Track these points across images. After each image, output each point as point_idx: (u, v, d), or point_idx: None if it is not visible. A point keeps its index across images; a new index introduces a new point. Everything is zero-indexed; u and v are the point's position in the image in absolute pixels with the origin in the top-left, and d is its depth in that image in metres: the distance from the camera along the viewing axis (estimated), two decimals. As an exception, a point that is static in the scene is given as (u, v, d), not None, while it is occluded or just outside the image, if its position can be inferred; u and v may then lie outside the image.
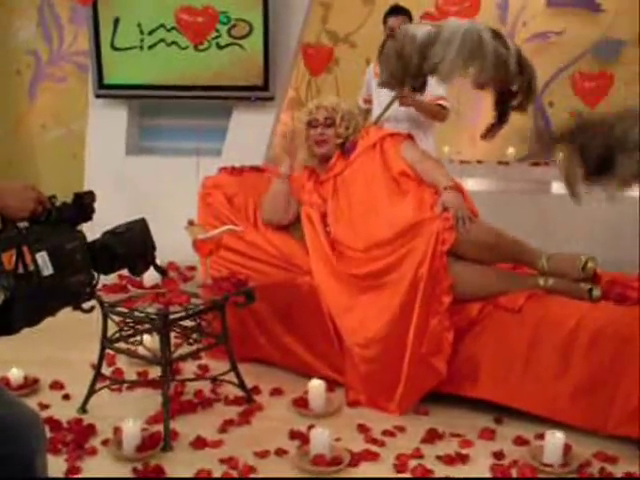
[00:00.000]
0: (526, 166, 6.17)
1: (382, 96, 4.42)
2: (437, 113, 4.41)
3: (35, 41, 7.22)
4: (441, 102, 4.40)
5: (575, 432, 2.82)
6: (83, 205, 1.83)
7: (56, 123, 7.24)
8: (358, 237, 3.26)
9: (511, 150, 6.19)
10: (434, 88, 4.34)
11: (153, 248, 1.90)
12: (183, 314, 2.90)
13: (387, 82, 3.91)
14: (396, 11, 4.49)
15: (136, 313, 2.87)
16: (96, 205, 4.99)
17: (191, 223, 3.05)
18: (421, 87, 3.94)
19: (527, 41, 6.44)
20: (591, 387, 2.81)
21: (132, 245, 1.83)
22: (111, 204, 5.60)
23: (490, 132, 4.00)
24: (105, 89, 5.56)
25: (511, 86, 3.61)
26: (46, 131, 7.33)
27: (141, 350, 3.08)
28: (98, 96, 5.62)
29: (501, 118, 3.89)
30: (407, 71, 3.69)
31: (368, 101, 4.69)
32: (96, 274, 1.80)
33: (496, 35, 3.53)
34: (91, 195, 1.83)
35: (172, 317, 2.82)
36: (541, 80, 6.41)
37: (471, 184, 5.93)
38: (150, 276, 2.93)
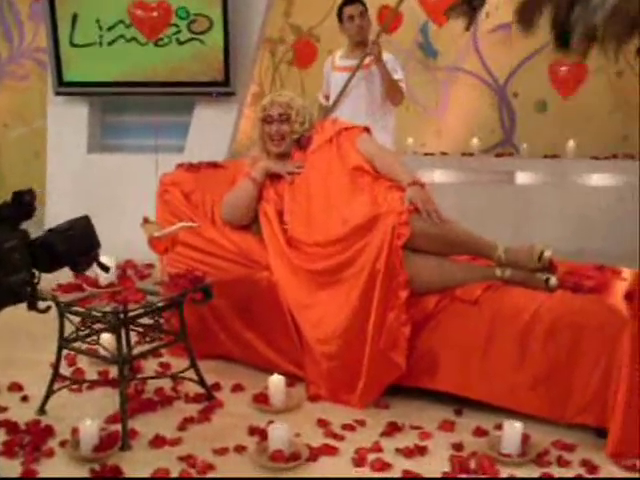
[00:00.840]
0: (490, 157, 6.21)
1: (339, 85, 4.43)
2: (396, 89, 4.44)
3: (-6, 38, 7.12)
4: (401, 84, 4.42)
5: (534, 422, 2.85)
6: (23, 203, 1.80)
7: (18, 122, 7.14)
8: (314, 233, 3.25)
9: (475, 141, 6.20)
10: (393, 70, 4.38)
11: (97, 245, 1.88)
12: (138, 312, 2.87)
13: None
14: (351, 0, 4.50)
15: (93, 312, 2.84)
16: (58, 203, 4.97)
17: (146, 220, 3.02)
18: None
19: (490, 32, 6.44)
20: (549, 377, 2.82)
21: (74, 242, 1.81)
22: (72, 202, 5.62)
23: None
24: (65, 86, 5.48)
25: None
26: (8, 130, 7.23)
27: (100, 349, 3.04)
28: (58, 93, 5.54)
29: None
30: None
31: (328, 97, 4.68)
32: (38, 272, 1.77)
33: None
34: (31, 193, 1.80)
35: (126, 315, 2.78)
36: (505, 71, 6.48)
37: (436, 176, 5.97)
38: (105, 275, 2.88)
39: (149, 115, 5.61)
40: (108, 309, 2.74)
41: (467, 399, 3.01)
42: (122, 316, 2.78)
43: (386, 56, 4.45)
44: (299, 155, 3.53)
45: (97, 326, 2.94)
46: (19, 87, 7.07)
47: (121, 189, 5.44)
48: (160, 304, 2.94)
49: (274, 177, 3.53)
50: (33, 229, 1.89)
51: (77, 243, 1.81)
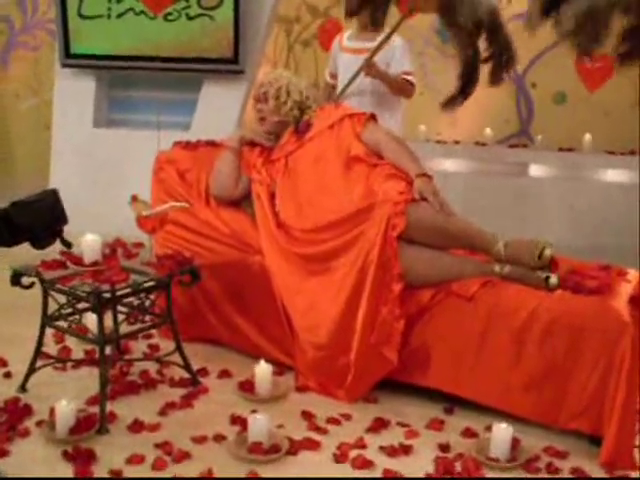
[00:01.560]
0: (504, 148, 6.06)
1: (347, 70, 4.30)
2: (403, 88, 4.27)
3: (8, 7, 7.04)
4: (407, 77, 4.26)
5: (526, 425, 2.75)
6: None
7: (30, 92, 7.08)
8: (305, 218, 3.14)
9: (489, 131, 6.06)
10: (400, 63, 4.23)
11: (62, 220, 1.78)
12: (121, 293, 2.78)
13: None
14: None
15: (75, 291, 2.76)
16: (62, 177, 4.90)
17: (135, 199, 2.94)
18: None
19: (511, 19, 6.28)
20: (544, 379, 2.71)
21: (36, 216, 1.72)
22: (77, 176, 5.56)
23: (450, 103, 3.87)
24: (72, 58, 5.40)
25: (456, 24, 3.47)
26: (20, 100, 7.17)
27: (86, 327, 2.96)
28: (65, 65, 5.46)
29: (464, 90, 3.75)
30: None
31: (334, 76, 4.54)
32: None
33: None
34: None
35: (106, 295, 2.69)
36: (524, 61, 6.31)
37: (448, 165, 5.84)
38: (90, 252, 2.80)
39: (156, 91, 5.52)
40: (89, 288, 2.65)
41: (459, 397, 2.91)
42: (105, 296, 2.68)
43: (397, 41, 4.31)
44: (295, 139, 3.41)
45: (81, 305, 2.86)
46: (31, 57, 7.00)
47: (126, 165, 5.35)
48: (146, 285, 2.84)
49: (267, 160, 3.43)
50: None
51: (40, 217, 1.72)
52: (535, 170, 5.80)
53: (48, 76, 6.32)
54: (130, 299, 2.94)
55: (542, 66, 6.27)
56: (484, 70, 4.15)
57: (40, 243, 1.69)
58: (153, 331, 3.39)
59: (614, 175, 5.66)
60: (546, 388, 2.71)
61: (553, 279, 2.77)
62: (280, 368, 3.20)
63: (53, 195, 1.73)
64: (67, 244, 1.98)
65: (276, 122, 3.42)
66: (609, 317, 2.63)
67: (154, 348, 3.42)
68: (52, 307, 2.91)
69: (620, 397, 2.54)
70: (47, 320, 2.92)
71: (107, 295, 2.70)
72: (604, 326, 2.61)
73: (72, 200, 5.47)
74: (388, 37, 4.17)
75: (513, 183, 5.72)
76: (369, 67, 4.09)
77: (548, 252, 2.78)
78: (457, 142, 6.19)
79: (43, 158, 5.93)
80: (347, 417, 2.86)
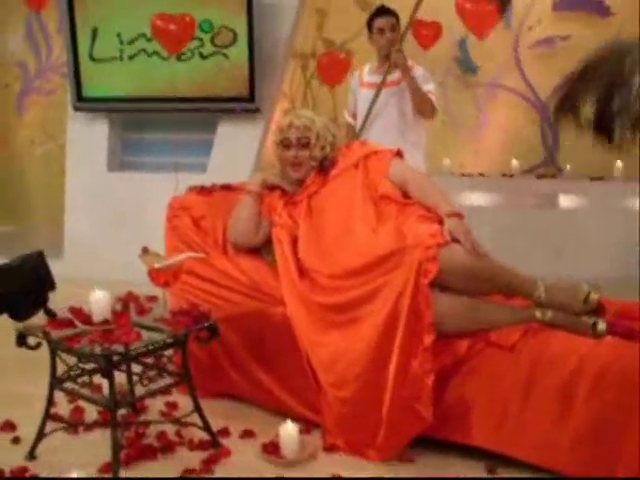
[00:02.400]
0: (531, 179, 5.87)
1: (367, 102, 4.15)
2: (426, 101, 4.13)
3: (23, 53, 7.00)
4: (431, 96, 4.11)
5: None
6: None
7: (45, 137, 7.01)
8: (329, 263, 2.94)
9: (515, 162, 5.87)
10: (424, 84, 4.08)
11: (48, 287, 1.60)
12: (133, 353, 2.58)
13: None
14: (383, 12, 4.22)
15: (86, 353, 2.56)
16: (76, 222, 4.71)
17: (145, 251, 2.75)
18: None
19: (533, 47, 6.13)
20: (595, 435, 2.46)
21: (17, 283, 1.54)
22: (91, 221, 5.42)
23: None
24: (84, 102, 5.30)
25: None
26: (35, 146, 7.11)
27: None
28: (77, 109, 5.35)
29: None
30: None
31: (355, 115, 4.40)
32: None
33: None
34: None
35: (127, 355, 2.50)
36: (548, 88, 6.12)
37: (473, 198, 5.64)
38: (99, 310, 2.62)
39: (171, 132, 5.40)
40: (98, 350, 2.46)
41: (502, 455, 2.67)
42: (115, 358, 2.49)
43: (417, 70, 4.17)
44: (319, 179, 3.23)
45: (91, 366, 2.66)
46: (46, 102, 6.96)
47: (141, 209, 5.21)
48: (158, 345, 2.64)
49: (289, 202, 3.24)
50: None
51: (21, 284, 1.54)
52: (565, 201, 5.59)
53: (62, 120, 6.23)
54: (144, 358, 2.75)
55: (566, 92, 6.08)
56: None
57: (20, 314, 1.52)
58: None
59: (645, 206, 5.43)
60: (598, 445, 2.47)
61: (601, 325, 2.55)
62: (306, 425, 2.99)
63: (38, 258, 1.56)
64: (51, 314, 1.79)
65: (311, 167, 3.25)
66: (666, 366, 2.40)
67: (172, 406, 3.21)
68: (62, 367, 2.73)
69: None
70: (55, 382, 2.73)
71: (117, 357, 2.51)
72: (660, 376, 2.38)
73: (86, 246, 5.36)
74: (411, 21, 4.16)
75: (543, 216, 5.50)
76: (398, 51, 4.03)
77: (595, 296, 2.56)
78: (481, 174, 5.99)
79: (58, 204, 5.81)
80: (380, 481, 2.63)
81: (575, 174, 5.80)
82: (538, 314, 2.65)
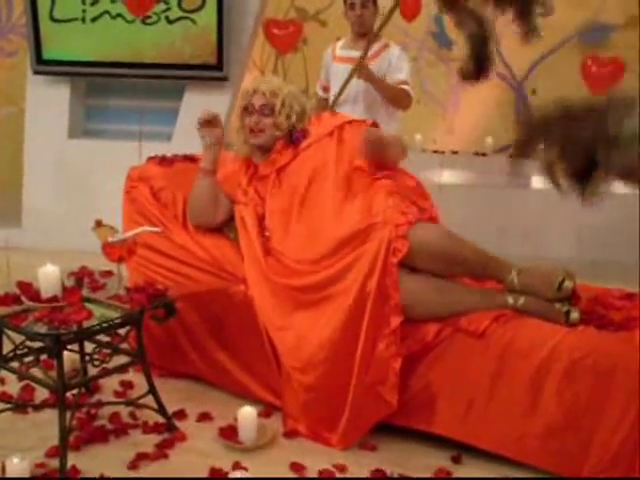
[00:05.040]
0: (505, 158, 5.73)
1: (341, 80, 4.00)
2: (399, 97, 3.98)
3: (-19, 11, 6.71)
4: (404, 87, 3.95)
5: (545, 477, 2.44)
6: None
7: (6, 101, 6.74)
8: (299, 243, 2.81)
9: (489, 140, 5.77)
10: (396, 71, 3.94)
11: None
12: (81, 334, 2.44)
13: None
14: None
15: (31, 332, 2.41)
16: (36, 190, 4.51)
17: (99, 224, 2.60)
18: None
19: (511, 23, 5.98)
20: (565, 426, 2.39)
21: None
22: (51, 190, 5.22)
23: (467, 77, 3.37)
24: (45, 65, 5.05)
25: None
26: (-3, 109, 6.84)
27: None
28: (37, 72, 5.12)
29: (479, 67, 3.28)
30: None
31: (327, 88, 4.25)
32: None
33: None
34: None
35: (66, 338, 2.35)
36: (524, 66, 6.02)
37: (446, 176, 5.53)
38: (48, 286, 2.46)
39: (135, 99, 5.18)
40: (43, 329, 2.31)
41: (468, 445, 2.58)
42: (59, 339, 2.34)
43: (393, 49, 4.03)
44: (289, 151, 3.07)
45: (38, 344, 2.51)
46: (7, 64, 6.67)
47: (100, 178, 5.01)
48: (110, 324, 2.49)
49: (254, 177, 3.09)
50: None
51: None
52: (538, 181, 5.49)
53: (24, 84, 5.99)
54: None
55: (542, 71, 5.99)
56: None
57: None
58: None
59: (622, 186, 5.35)
60: (568, 437, 2.40)
61: (574, 314, 2.46)
62: (267, 408, 2.88)
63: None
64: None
65: (274, 136, 3.07)
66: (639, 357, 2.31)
67: (127, 385, 3.08)
68: (10, 345, 2.58)
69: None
70: (1, 361, 2.58)
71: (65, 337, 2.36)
72: (634, 367, 2.30)
73: (45, 215, 5.17)
74: (381, 28, 3.96)
75: (515, 195, 5.41)
76: (361, 69, 3.82)
77: (569, 283, 2.46)
78: (455, 152, 5.88)
79: (18, 171, 5.60)
80: (341, 468, 2.53)
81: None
82: (510, 300, 2.55)
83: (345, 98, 4.00)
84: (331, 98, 4.12)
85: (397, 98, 3.98)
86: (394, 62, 3.99)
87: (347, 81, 3.93)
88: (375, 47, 4.01)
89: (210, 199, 3.05)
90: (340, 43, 4.26)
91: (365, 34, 4.02)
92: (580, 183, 2.48)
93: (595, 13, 5.87)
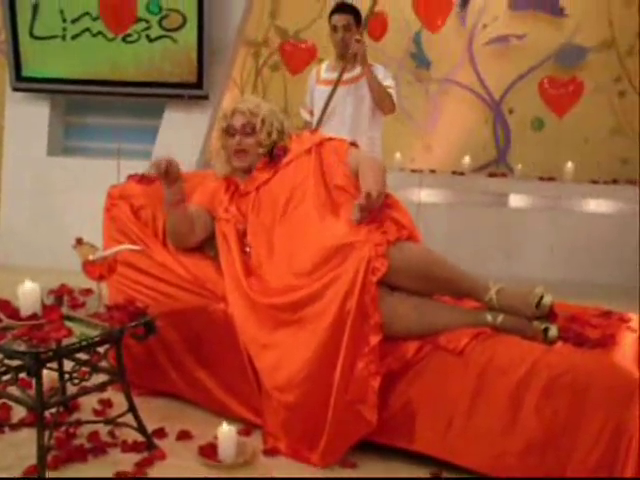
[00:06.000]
0: (482, 177, 5.82)
1: (323, 100, 4.04)
2: (386, 98, 4.05)
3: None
4: (390, 90, 4.02)
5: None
6: None
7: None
8: (280, 260, 2.82)
9: (467, 159, 5.82)
10: (383, 80, 4.00)
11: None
12: (61, 352, 2.42)
13: None
14: (341, 9, 4.10)
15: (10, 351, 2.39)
16: (14, 208, 4.47)
17: (79, 242, 2.59)
18: None
19: (487, 44, 6.07)
20: (544, 443, 2.40)
21: None
22: (30, 208, 5.20)
23: None
24: (24, 82, 5.06)
25: None
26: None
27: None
28: (16, 89, 5.11)
29: None
30: None
31: (312, 112, 4.28)
32: None
33: None
34: None
35: (45, 356, 2.34)
36: (501, 86, 6.10)
37: (424, 195, 5.58)
38: (28, 304, 2.45)
39: (115, 117, 5.20)
40: (22, 347, 2.30)
41: (448, 462, 2.59)
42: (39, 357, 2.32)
43: (378, 68, 4.10)
44: (269, 168, 3.10)
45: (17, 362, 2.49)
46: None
47: (82, 195, 5.01)
48: (90, 342, 2.48)
49: (235, 194, 3.10)
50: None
51: None
52: (515, 200, 5.57)
53: (4, 100, 5.98)
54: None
55: (519, 91, 6.07)
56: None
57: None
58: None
59: (597, 205, 5.45)
60: (546, 454, 2.41)
61: (553, 331, 2.48)
62: (247, 427, 2.88)
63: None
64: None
65: (257, 155, 3.10)
66: (617, 374, 2.35)
67: (106, 404, 3.06)
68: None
69: (631, 465, 2.25)
70: (-22, 380, 2.55)
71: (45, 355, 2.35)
72: (611, 384, 2.33)
73: (24, 234, 5.14)
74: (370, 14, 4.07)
75: (492, 214, 5.47)
76: (358, 42, 3.93)
77: (547, 300, 2.48)
78: (433, 171, 5.94)
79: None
80: (322, 487, 2.53)
81: (526, 174, 5.78)
82: (489, 318, 2.58)
83: (332, 110, 4.05)
84: (315, 120, 4.16)
85: (383, 96, 4.06)
86: (380, 75, 4.06)
87: (333, 91, 3.98)
88: (358, 69, 4.07)
89: (186, 228, 3.05)
90: (324, 66, 4.30)
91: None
92: None
93: (570, 35, 5.97)
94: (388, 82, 4.08)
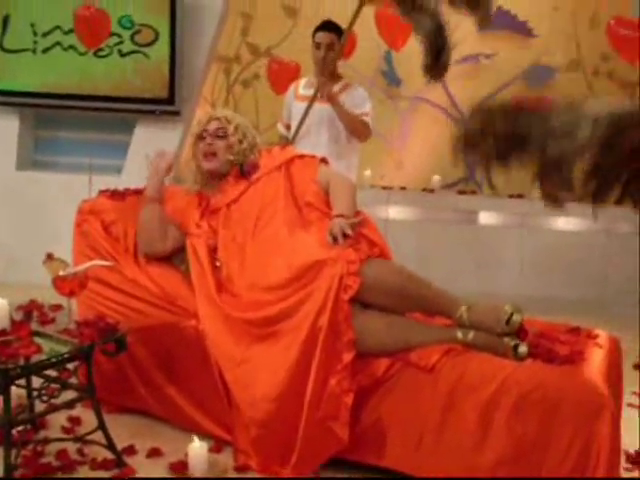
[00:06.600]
0: (452, 194, 5.87)
1: (300, 116, 4.05)
2: (359, 127, 4.04)
3: None
4: (365, 118, 4.03)
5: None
6: None
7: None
8: (251, 275, 2.82)
9: (436, 177, 5.87)
10: (358, 105, 4.00)
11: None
12: (30, 369, 2.40)
13: None
14: (326, 27, 4.11)
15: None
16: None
17: (50, 257, 2.58)
18: None
19: (458, 63, 6.13)
20: (514, 459, 2.41)
21: None
22: (-4, 223, 5.14)
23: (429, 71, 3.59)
24: (-7, 95, 5.02)
25: None
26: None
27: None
28: (-15, 102, 5.07)
29: (437, 59, 3.51)
30: None
31: (289, 127, 4.28)
32: None
33: None
34: None
35: (14, 373, 2.32)
36: (471, 104, 6.14)
37: (394, 212, 5.61)
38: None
39: (86, 132, 5.17)
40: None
41: (418, 478, 2.60)
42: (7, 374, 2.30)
43: (355, 88, 4.11)
44: (240, 184, 3.11)
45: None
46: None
47: (52, 210, 4.97)
48: (60, 359, 2.46)
49: (206, 210, 3.11)
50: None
51: None
52: (485, 218, 5.62)
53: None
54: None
55: (488, 110, 6.13)
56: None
57: None
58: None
59: (565, 223, 5.52)
60: (517, 470, 2.42)
61: (522, 348, 2.50)
62: (217, 443, 2.86)
63: None
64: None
65: (227, 161, 3.14)
66: (586, 389, 2.37)
67: (75, 421, 3.03)
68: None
69: (600, 477, 2.27)
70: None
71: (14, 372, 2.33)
72: (580, 399, 2.35)
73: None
74: (345, 38, 4.00)
75: (462, 231, 5.52)
76: (323, 86, 3.90)
77: (517, 318, 2.50)
78: (403, 188, 5.98)
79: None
80: (293, 504, 2.52)
81: (495, 191, 5.83)
82: (459, 335, 2.59)
83: (307, 130, 4.04)
84: (291, 136, 4.17)
85: (356, 126, 4.04)
86: (356, 99, 4.06)
87: (305, 114, 3.98)
88: (337, 86, 4.08)
89: (158, 226, 3.09)
90: (302, 82, 4.31)
91: (330, 74, 4.06)
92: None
93: (539, 55, 6.06)
94: (365, 108, 4.06)
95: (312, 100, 4.01)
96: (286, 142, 4.21)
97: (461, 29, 6.04)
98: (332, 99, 3.97)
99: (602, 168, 1.93)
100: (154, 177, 3.14)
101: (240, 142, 3.13)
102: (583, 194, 1.95)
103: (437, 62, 3.61)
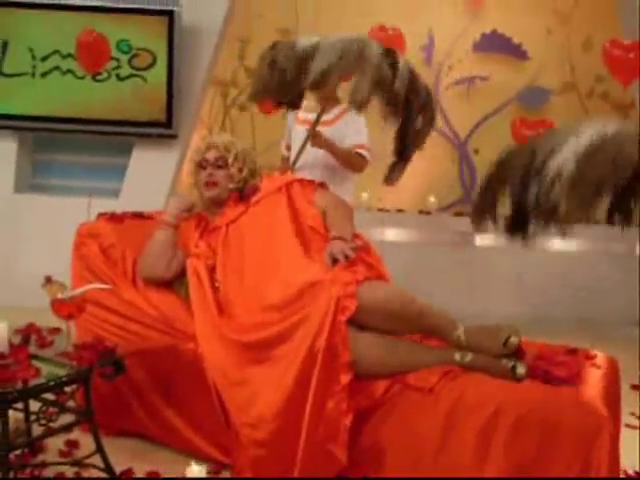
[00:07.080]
0: (449, 216, 5.90)
1: (300, 139, 4.04)
2: (353, 162, 4.01)
3: None
4: (360, 151, 4.01)
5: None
6: None
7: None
8: (250, 296, 2.83)
9: (433, 199, 5.90)
10: (354, 136, 3.98)
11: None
12: (28, 392, 2.40)
13: (258, 94, 3.63)
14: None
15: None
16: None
17: (48, 280, 2.58)
18: (294, 103, 3.68)
19: (453, 85, 6.20)
20: (513, 481, 2.42)
21: None
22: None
23: (393, 173, 3.68)
24: (-8, 118, 5.05)
25: (395, 108, 3.32)
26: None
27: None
28: (-17, 126, 5.11)
29: (402, 155, 3.58)
30: (282, 83, 3.42)
31: (290, 148, 4.28)
32: None
33: (386, 53, 3.30)
34: None
35: (11, 396, 2.32)
36: (466, 127, 6.22)
37: (391, 234, 5.63)
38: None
39: (84, 155, 5.20)
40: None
41: (415, 501, 2.59)
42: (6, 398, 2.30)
43: (353, 113, 4.08)
44: (239, 206, 3.14)
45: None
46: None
47: (50, 233, 4.99)
48: (58, 382, 2.46)
49: (206, 230, 3.13)
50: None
51: None
52: (482, 239, 5.64)
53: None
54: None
55: (484, 132, 6.20)
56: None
57: None
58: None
59: (561, 244, 5.54)
60: (515, 491, 2.42)
61: (521, 369, 2.51)
62: (216, 466, 2.86)
63: None
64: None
65: (229, 189, 3.16)
66: (584, 411, 2.37)
67: (73, 445, 3.02)
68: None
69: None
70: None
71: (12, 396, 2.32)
72: (579, 421, 2.35)
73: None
74: (320, 114, 3.92)
75: (459, 253, 5.54)
76: (314, 137, 3.84)
77: (515, 339, 2.51)
78: (400, 210, 6.00)
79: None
80: (292, 528, 2.51)
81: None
82: (457, 356, 2.60)
83: (303, 163, 4.02)
84: (291, 158, 4.17)
85: (350, 161, 4.01)
86: (353, 125, 4.02)
87: (302, 147, 3.96)
88: (335, 111, 4.05)
89: (164, 253, 3.10)
90: (303, 105, 4.30)
91: (329, 97, 4.03)
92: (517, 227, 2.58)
93: (533, 78, 6.12)
94: (362, 139, 4.03)
95: (304, 143, 3.95)
96: (287, 163, 4.19)
97: (456, 52, 6.16)
98: (325, 146, 3.92)
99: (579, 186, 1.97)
100: (175, 206, 3.16)
101: (240, 171, 3.17)
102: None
103: (402, 159, 3.71)
